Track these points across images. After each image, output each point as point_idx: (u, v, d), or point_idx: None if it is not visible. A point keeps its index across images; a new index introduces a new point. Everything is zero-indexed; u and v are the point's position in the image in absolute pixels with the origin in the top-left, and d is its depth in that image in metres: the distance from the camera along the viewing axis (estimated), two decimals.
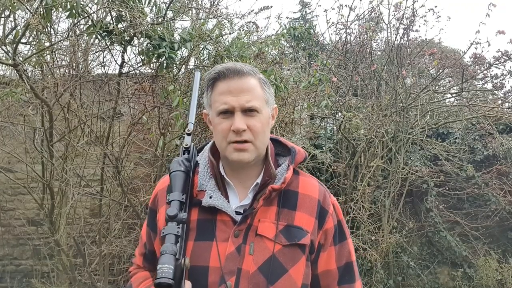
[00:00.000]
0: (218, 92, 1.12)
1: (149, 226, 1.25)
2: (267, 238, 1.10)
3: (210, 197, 1.12)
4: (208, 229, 1.12)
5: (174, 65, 3.67)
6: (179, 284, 0.98)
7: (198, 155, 1.24)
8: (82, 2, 3.12)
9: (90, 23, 3.34)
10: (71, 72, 3.75)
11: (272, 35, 4.81)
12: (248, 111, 1.11)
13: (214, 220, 1.12)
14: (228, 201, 1.14)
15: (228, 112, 1.10)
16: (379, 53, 5.94)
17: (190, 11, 3.92)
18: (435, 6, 4.61)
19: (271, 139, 1.23)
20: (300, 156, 1.21)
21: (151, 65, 3.62)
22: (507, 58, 4.59)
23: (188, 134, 1.18)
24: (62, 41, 3.53)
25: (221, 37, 3.93)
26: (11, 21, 3.60)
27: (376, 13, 4.91)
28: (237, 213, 1.13)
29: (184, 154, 1.16)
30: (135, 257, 1.33)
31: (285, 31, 5.21)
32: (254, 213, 1.12)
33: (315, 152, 4.19)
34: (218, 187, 1.16)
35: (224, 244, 1.09)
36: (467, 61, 5.08)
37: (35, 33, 3.48)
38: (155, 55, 3.41)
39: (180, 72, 3.93)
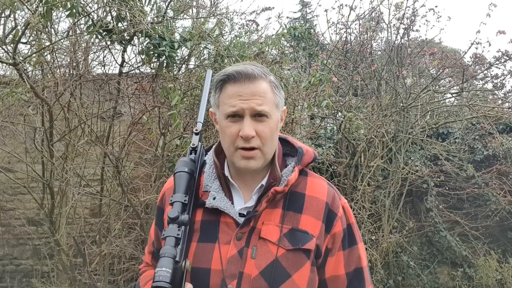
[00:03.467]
0: (227, 95, 1.09)
1: (157, 225, 1.25)
2: (271, 241, 1.08)
3: (214, 198, 1.10)
4: (211, 230, 1.10)
5: (174, 65, 3.67)
6: (180, 286, 0.97)
7: (206, 154, 1.22)
8: (82, 1, 3.11)
9: (90, 22, 3.34)
10: (71, 72, 3.75)
11: (273, 35, 4.81)
12: (258, 116, 1.08)
13: (217, 221, 1.11)
14: (232, 203, 1.13)
15: (236, 116, 1.08)
16: (379, 53, 5.94)
17: (190, 10, 3.92)
18: (436, 6, 4.61)
19: (279, 138, 1.20)
20: (309, 156, 1.18)
21: (151, 64, 3.62)
22: (508, 58, 4.59)
23: (196, 134, 1.16)
24: (62, 41, 3.53)
25: (221, 37, 3.93)
26: (11, 20, 3.60)
27: (376, 13, 4.92)
28: (241, 215, 1.11)
29: (191, 153, 1.15)
30: (145, 254, 1.34)
31: (285, 31, 5.21)
32: (258, 216, 1.10)
33: (317, 151, 4.19)
34: (223, 188, 1.14)
35: (226, 247, 1.08)
36: (468, 61, 5.09)
37: (35, 32, 3.48)
38: (155, 55, 3.41)
39: (180, 72, 3.93)
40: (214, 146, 1.22)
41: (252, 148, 1.07)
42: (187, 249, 1.07)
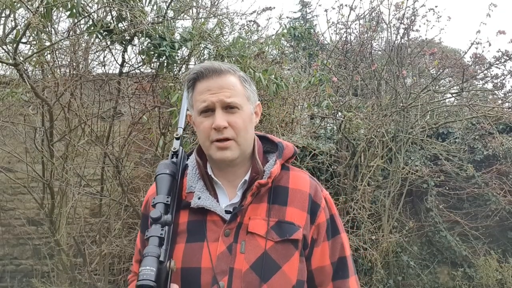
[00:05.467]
0: (198, 91, 1.13)
1: (142, 233, 1.24)
2: (259, 235, 1.09)
3: (199, 198, 1.12)
4: (199, 230, 1.11)
5: (175, 65, 3.67)
6: (165, 286, 0.97)
7: (188, 159, 1.23)
8: (83, 2, 3.11)
9: (90, 22, 3.35)
10: (71, 72, 3.76)
11: (273, 35, 4.81)
12: (229, 108, 1.10)
13: (204, 220, 1.11)
14: (218, 201, 1.14)
15: (209, 110, 1.11)
16: (379, 52, 5.94)
17: (191, 10, 3.92)
18: (436, 6, 4.61)
19: (259, 136, 1.24)
20: (289, 151, 1.20)
21: (152, 64, 3.62)
22: (508, 58, 4.58)
23: (177, 138, 1.18)
24: (62, 41, 3.53)
25: (221, 37, 3.93)
26: (11, 20, 3.60)
27: (376, 13, 4.92)
28: (228, 212, 1.12)
29: (172, 157, 1.16)
30: (133, 264, 1.33)
31: (285, 30, 5.21)
32: (244, 211, 1.11)
33: (321, 147, 4.19)
34: (207, 187, 1.15)
35: (215, 244, 1.08)
36: (468, 61, 5.08)
37: (35, 32, 3.48)
38: (156, 55, 3.41)
39: (180, 72, 3.93)
40: (196, 148, 1.24)
41: (226, 139, 1.09)
42: (172, 251, 1.07)
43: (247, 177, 1.15)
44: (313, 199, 1.17)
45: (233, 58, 3.54)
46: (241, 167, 1.17)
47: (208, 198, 1.12)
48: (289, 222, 1.12)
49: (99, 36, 3.38)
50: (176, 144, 1.18)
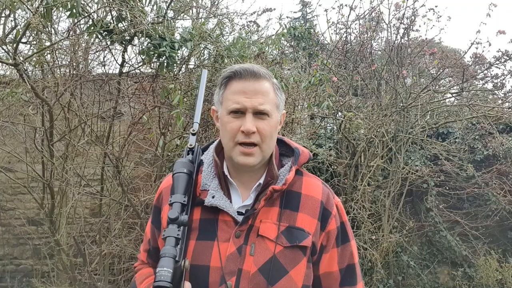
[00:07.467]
0: (232, 91, 1.13)
1: (153, 223, 1.26)
2: (269, 239, 1.11)
3: (213, 197, 1.13)
4: (210, 228, 1.12)
5: (175, 65, 3.67)
6: (179, 285, 0.99)
7: (203, 154, 1.24)
8: (83, 2, 3.11)
9: (90, 22, 3.34)
10: (71, 72, 3.76)
11: (273, 35, 4.81)
12: (259, 114, 1.11)
13: (216, 220, 1.13)
14: (231, 201, 1.15)
15: (239, 112, 1.11)
16: (379, 52, 5.94)
17: (191, 10, 3.92)
18: (436, 6, 4.61)
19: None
20: (304, 157, 1.21)
21: (152, 64, 3.62)
22: (508, 58, 4.59)
23: (193, 134, 1.18)
24: (62, 41, 3.53)
25: (221, 37, 3.93)
26: (11, 20, 3.60)
27: (376, 13, 4.92)
28: (239, 213, 1.13)
29: (188, 154, 1.16)
30: (140, 252, 1.35)
31: (285, 30, 5.21)
32: (256, 214, 1.12)
33: (318, 151, 4.19)
34: (221, 186, 1.16)
35: (225, 244, 1.10)
36: (468, 61, 5.08)
37: (35, 32, 3.48)
38: (156, 55, 3.41)
39: (180, 72, 3.93)
40: (214, 145, 1.24)
41: (252, 144, 1.10)
42: (186, 248, 1.09)
43: (261, 181, 1.16)
44: (324, 206, 1.18)
45: (233, 58, 3.54)
46: (258, 170, 1.18)
47: (222, 197, 1.13)
48: (299, 228, 1.13)
49: (99, 36, 3.38)
50: (192, 140, 1.17)
